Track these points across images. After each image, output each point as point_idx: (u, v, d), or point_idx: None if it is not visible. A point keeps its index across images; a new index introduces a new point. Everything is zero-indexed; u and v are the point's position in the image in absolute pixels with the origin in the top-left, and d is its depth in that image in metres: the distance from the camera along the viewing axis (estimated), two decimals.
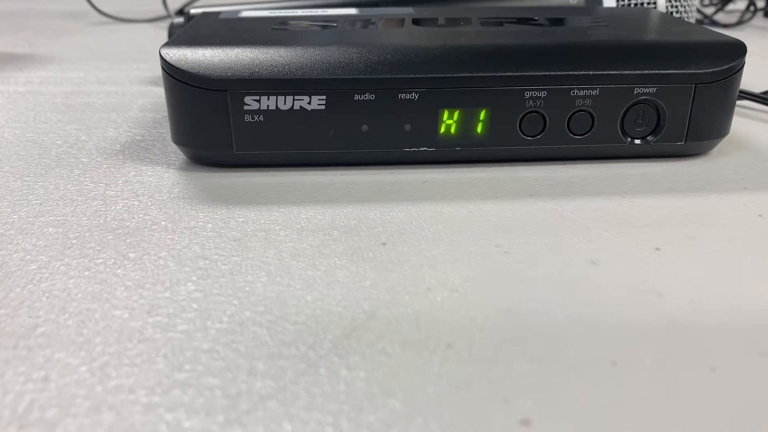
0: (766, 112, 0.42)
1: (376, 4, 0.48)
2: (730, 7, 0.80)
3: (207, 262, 0.25)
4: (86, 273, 0.24)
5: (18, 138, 0.38)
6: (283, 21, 0.38)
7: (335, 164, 0.34)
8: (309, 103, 0.31)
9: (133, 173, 0.33)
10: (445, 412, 0.18)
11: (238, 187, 0.32)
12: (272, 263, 0.25)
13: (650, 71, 0.32)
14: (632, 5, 0.50)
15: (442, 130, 0.32)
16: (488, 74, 0.31)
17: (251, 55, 0.31)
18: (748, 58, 0.33)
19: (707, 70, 0.32)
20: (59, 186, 0.32)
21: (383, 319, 0.22)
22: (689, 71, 0.32)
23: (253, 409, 0.18)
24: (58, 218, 0.28)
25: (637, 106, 0.32)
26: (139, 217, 0.29)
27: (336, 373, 0.19)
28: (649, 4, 0.50)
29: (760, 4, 0.79)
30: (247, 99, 0.31)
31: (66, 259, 0.25)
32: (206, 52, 0.31)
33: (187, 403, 0.18)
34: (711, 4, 0.80)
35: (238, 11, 0.42)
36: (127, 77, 0.52)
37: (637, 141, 0.33)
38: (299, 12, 0.42)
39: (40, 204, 0.30)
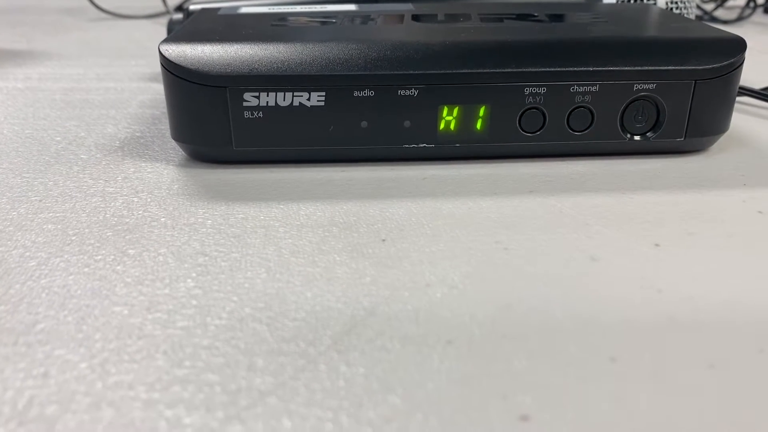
0: (766, 108, 0.42)
1: (376, 1, 0.48)
2: (730, 3, 0.80)
3: (206, 258, 0.25)
4: (86, 269, 0.24)
5: (17, 134, 0.38)
6: (282, 17, 0.38)
7: (335, 161, 0.34)
8: (308, 99, 0.31)
9: (132, 170, 0.33)
10: (445, 408, 0.18)
11: (238, 183, 0.32)
12: (272, 260, 0.25)
13: (650, 67, 0.32)
14: (632, 1, 0.50)
15: (442, 126, 0.32)
16: (488, 70, 0.31)
17: (250, 52, 0.31)
18: (747, 54, 0.33)
19: (707, 67, 0.32)
20: (58, 182, 0.32)
21: (383, 316, 0.22)
22: (689, 67, 0.32)
23: (252, 405, 0.18)
24: (58, 215, 0.28)
25: (637, 102, 0.32)
26: (139, 214, 0.29)
27: (335, 369, 0.19)
28: (648, 0, 0.50)
29: (760, 0, 0.79)
30: (247, 95, 0.31)
31: (65, 256, 0.25)
32: (205, 48, 0.31)
33: (186, 400, 0.18)
34: (711, 0, 0.80)
35: (237, 7, 0.42)
36: (126, 74, 0.52)
37: (637, 137, 0.33)
38: (298, 8, 0.41)
39: (40, 200, 0.30)
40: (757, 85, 0.44)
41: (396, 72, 0.31)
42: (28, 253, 0.25)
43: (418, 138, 0.32)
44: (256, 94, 0.31)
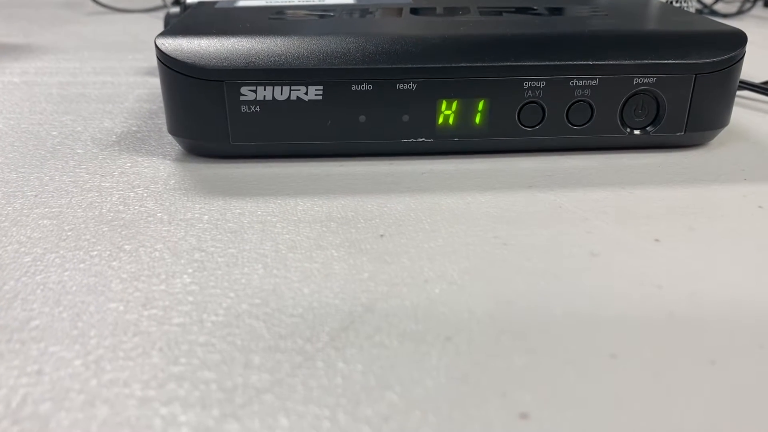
0: (766, 102, 0.42)
1: None
2: None
3: (203, 254, 0.25)
4: (81, 265, 0.24)
5: (13, 129, 0.38)
6: (279, 10, 0.38)
7: (332, 155, 0.33)
8: (306, 93, 0.31)
9: (128, 164, 0.33)
10: (444, 406, 0.18)
11: (235, 178, 0.31)
12: (269, 255, 0.25)
13: (650, 61, 0.31)
14: None
15: (441, 120, 0.32)
16: (487, 64, 0.31)
17: (248, 45, 0.31)
18: (748, 48, 0.33)
19: (707, 60, 0.32)
20: (54, 177, 0.31)
21: (381, 312, 0.22)
22: (689, 61, 0.31)
23: (249, 403, 0.18)
24: (53, 210, 0.28)
25: (637, 96, 0.32)
26: (135, 209, 0.28)
27: (333, 366, 0.19)
28: None
29: None
30: (244, 89, 0.31)
31: (61, 252, 0.25)
32: (202, 42, 0.31)
33: (182, 397, 0.18)
34: None
35: (235, 1, 0.42)
36: (122, 68, 0.52)
37: (637, 132, 0.33)
38: (296, 1, 0.41)
39: (35, 196, 0.30)
40: (758, 79, 0.44)
41: (394, 66, 0.31)
42: (23, 249, 0.25)
43: (417, 132, 0.32)
44: (253, 88, 0.31)
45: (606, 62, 0.31)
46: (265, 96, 0.31)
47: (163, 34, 0.31)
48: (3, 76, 0.49)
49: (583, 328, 0.21)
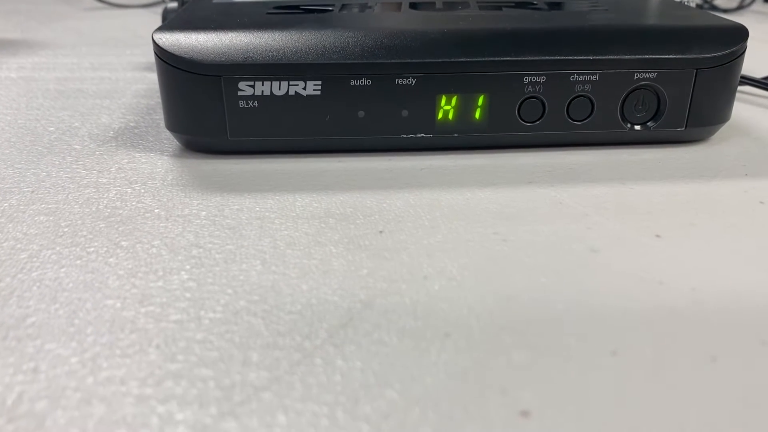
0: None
1: None
2: None
3: (201, 250, 0.25)
4: (78, 262, 0.24)
5: (10, 124, 0.38)
6: (277, 5, 0.38)
7: (331, 151, 0.33)
8: (304, 88, 0.31)
9: (126, 160, 0.33)
10: (443, 403, 0.18)
11: (233, 174, 0.31)
12: (267, 252, 0.25)
13: (650, 56, 0.31)
14: None
15: (440, 116, 0.32)
16: (486, 59, 0.31)
17: (245, 40, 0.31)
18: (749, 43, 0.32)
19: (708, 55, 0.31)
20: (51, 173, 0.31)
21: (380, 308, 0.22)
22: (690, 56, 0.31)
23: (247, 401, 0.18)
24: (50, 206, 0.28)
25: (637, 91, 0.32)
26: (132, 205, 0.28)
27: (332, 363, 0.19)
28: None
29: None
30: (242, 84, 0.30)
31: (57, 248, 0.25)
32: (200, 36, 0.31)
33: (179, 395, 0.18)
34: None
35: None
36: (120, 63, 0.52)
37: (637, 127, 0.33)
38: None
39: (32, 192, 0.29)
40: (759, 75, 0.43)
41: (393, 61, 0.30)
42: (19, 245, 0.25)
43: (416, 128, 0.32)
44: (251, 83, 0.30)
45: (606, 57, 0.31)
46: (263, 91, 0.31)
47: (160, 29, 0.31)
48: (0, 71, 0.49)
49: (583, 325, 0.21)
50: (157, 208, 0.28)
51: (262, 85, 0.31)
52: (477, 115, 0.32)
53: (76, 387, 0.18)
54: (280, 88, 0.31)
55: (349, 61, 0.30)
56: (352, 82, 0.31)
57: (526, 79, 0.31)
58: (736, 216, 0.27)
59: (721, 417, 0.17)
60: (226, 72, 0.30)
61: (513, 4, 0.38)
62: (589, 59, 0.31)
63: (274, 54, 0.30)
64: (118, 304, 0.22)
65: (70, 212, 0.28)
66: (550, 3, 0.38)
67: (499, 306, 0.22)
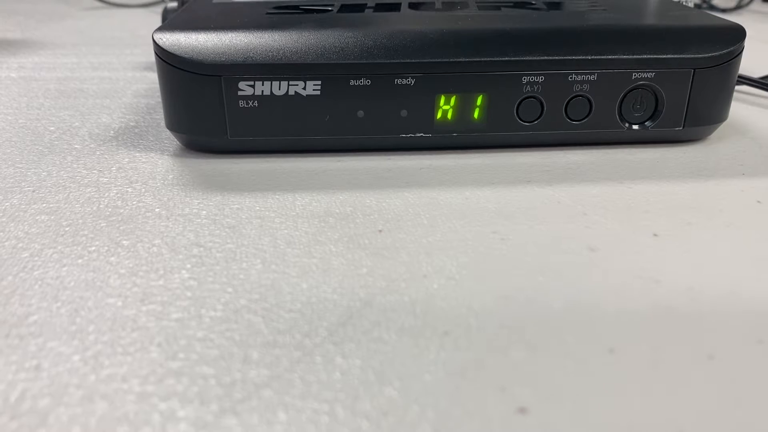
0: (765, 97, 0.42)
1: None
2: None
3: (201, 249, 0.25)
4: (79, 261, 0.24)
5: (11, 124, 0.38)
6: (277, 5, 0.38)
7: (331, 150, 0.33)
8: (304, 88, 0.31)
9: (126, 160, 0.33)
10: (442, 401, 0.18)
11: (233, 173, 0.31)
12: (267, 250, 0.25)
13: (648, 56, 0.31)
14: None
15: (439, 115, 0.32)
16: (485, 59, 0.31)
17: (245, 40, 0.31)
18: (746, 42, 0.33)
19: (706, 55, 0.32)
20: (52, 173, 0.31)
21: (379, 307, 0.22)
22: (688, 56, 0.31)
23: (247, 398, 0.18)
24: (51, 205, 0.28)
25: (635, 91, 0.32)
26: (133, 204, 0.28)
27: (331, 361, 0.19)
28: None
29: None
30: (242, 84, 0.31)
31: (59, 247, 0.25)
32: (200, 36, 0.31)
33: (181, 392, 0.18)
34: None
35: None
36: (120, 63, 0.52)
37: (635, 126, 0.33)
38: None
39: (33, 191, 0.29)
40: (756, 74, 0.44)
41: (393, 61, 0.31)
42: (21, 245, 0.25)
43: (415, 127, 0.32)
44: (251, 83, 0.31)
45: (605, 57, 0.31)
46: (263, 91, 0.31)
47: (160, 29, 0.31)
48: (0, 71, 0.49)
49: (581, 323, 0.21)
50: (158, 208, 0.28)
51: (262, 84, 0.31)
52: (476, 114, 0.32)
53: (79, 384, 0.18)
54: (280, 87, 0.31)
55: (348, 61, 0.30)
56: (352, 82, 0.31)
57: (525, 79, 0.31)
58: (733, 215, 0.27)
59: (718, 415, 0.17)
60: (227, 72, 0.30)
61: (512, 4, 0.38)
62: (588, 59, 0.31)
63: (274, 54, 0.30)
64: (120, 303, 0.22)
65: (71, 211, 0.28)
66: (548, 3, 0.38)
67: (498, 304, 0.22)
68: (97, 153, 0.34)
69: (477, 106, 0.32)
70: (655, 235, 0.26)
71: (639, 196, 0.29)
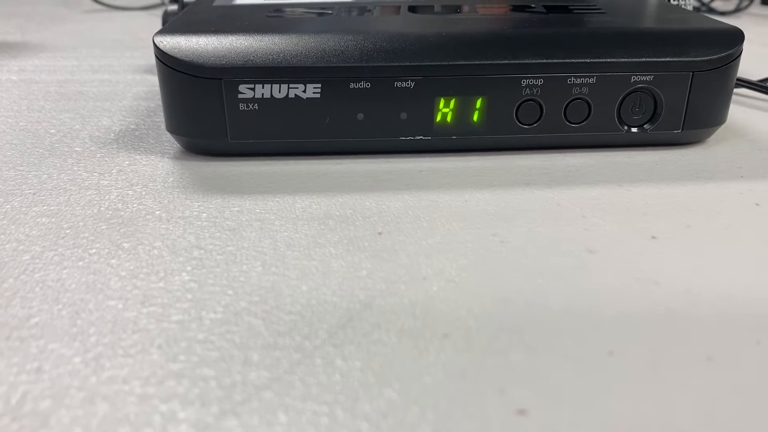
0: (764, 100, 0.42)
1: None
2: None
3: (202, 251, 0.25)
4: (80, 263, 0.24)
5: (11, 127, 0.38)
6: (277, 8, 0.38)
7: (331, 153, 0.33)
8: (304, 91, 0.31)
9: (127, 162, 0.33)
10: (442, 402, 0.18)
11: (233, 176, 0.31)
12: (267, 253, 0.25)
13: (647, 59, 0.31)
14: None
15: (438, 118, 0.32)
16: (484, 62, 0.31)
17: (246, 43, 0.31)
18: (745, 45, 0.33)
19: (704, 58, 0.32)
20: (52, 175, 0.31)
21: (379, 309, 0.22)
22: (686, 59, 0.32)
23: (247, 400, 0.18)
24: (52, 208, 0.28)
25: (634, 94, 0.32)
26: (134, 207, 0.28)
27: (331, 363, 0.19)
28: None
29: None
30: (242, 87, 0.31)
31: (59, 249, 0.25)
32: (200, 39, 0.31)
33: (181, 394, 0.18)
34: None
35: None
36: (121, 65, 0.52)
37: (634, 129, 0.33)
38: None
39: (33, 194, 0.30)
40: (755, 77, 0.44)
41: (392, 64, 0.31)
42: (21, 247, 0.25)
43: (415, 130, 0.32)
44: (252, 86, 0.31)
45: (604, 60, 0.31)
46: (263, 94, 0.31)
47: (161, 32, 0.31)
48: (1, 74, 0.49)
49: (580, 325, 0.21)
50: (158, 210, 0.28)
51: (263, 88, 0.31)
52: (475, 117, 0.32)
53: (80, 386, 0.18)
54: (280, 90, 0.31)
55: (348, 65, 0.31)
56: (352, 85, 0.31)
57: (524, 82, 0.31)
58: (732, 218, 0.27)
59: (717, 416, 0.18)
60: (227, 75, 0.30)
61: (511, 8, 0.38)
62: (587, 62, 0.31)
63: (274, 57, 0.31)
64: (120, 305, 0.22)
65: (72, 214, 0.28)
66: (548, 6, 0.38)
67: (497, 306, 0.22)
68: (98, 156, 0.34)
69: (476, 109, 0.32)
70: (653, 237, 0.26)
71: (638, 199, 0.29)
